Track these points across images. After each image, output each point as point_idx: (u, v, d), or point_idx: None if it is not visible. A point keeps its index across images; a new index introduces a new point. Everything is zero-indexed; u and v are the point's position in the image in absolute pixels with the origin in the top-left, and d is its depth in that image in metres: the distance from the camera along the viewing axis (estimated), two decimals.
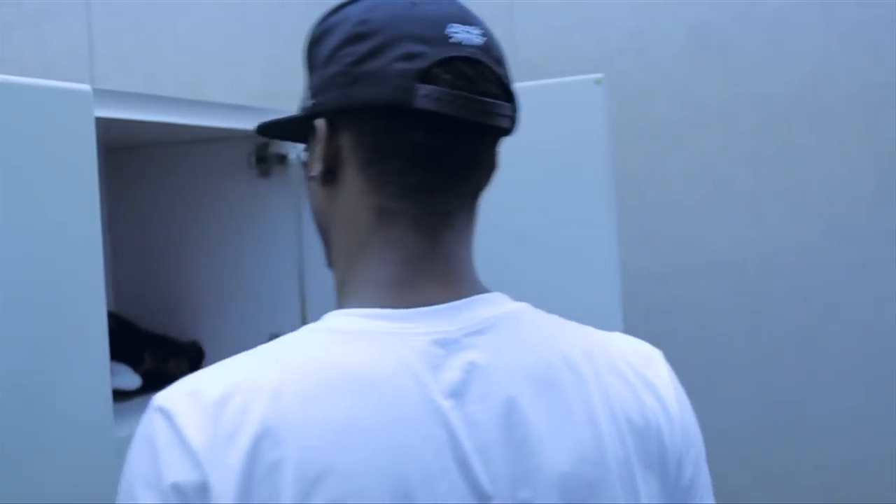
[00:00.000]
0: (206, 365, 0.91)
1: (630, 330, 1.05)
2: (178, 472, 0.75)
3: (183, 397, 0.78)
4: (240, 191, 1.60)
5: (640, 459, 0.87)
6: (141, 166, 1.65)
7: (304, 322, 1.65)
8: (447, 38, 0.88)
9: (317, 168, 0.91)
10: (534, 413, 0.83)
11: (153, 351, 1.54)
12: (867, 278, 2.16)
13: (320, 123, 0.91)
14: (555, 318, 0.92)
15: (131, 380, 1.24)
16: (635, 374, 0.90)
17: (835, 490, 2.18)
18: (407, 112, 0.86)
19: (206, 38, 1.91)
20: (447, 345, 0.83)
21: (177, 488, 0.75)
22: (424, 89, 0.87)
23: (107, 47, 1.66)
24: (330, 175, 0.92)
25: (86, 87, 1.06)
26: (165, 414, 0.77)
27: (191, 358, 1.60)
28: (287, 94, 2.18)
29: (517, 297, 0.92)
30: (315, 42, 0.94)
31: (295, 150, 1.59)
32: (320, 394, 0.78)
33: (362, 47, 0.88)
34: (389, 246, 0.89)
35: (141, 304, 1.52)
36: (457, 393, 0.81)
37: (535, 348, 0.88)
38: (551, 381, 0.86)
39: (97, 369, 1.06)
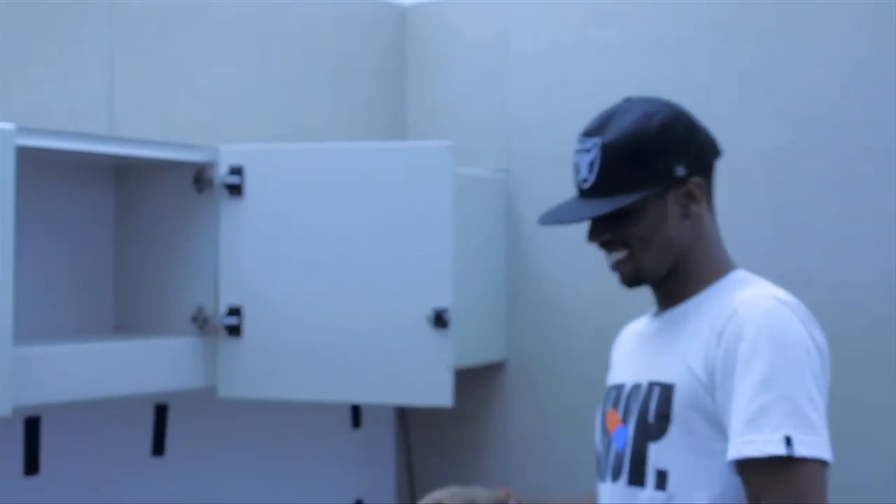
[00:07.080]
0: None
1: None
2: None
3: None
4: (182, 202, 2.32)
5: None
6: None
7: (216, 302, 2.26)
8: None
9: (695, 210, 1.52)
10: None
11: None
12: None
13: (698, 181, 1.51)
14: None
15: None
16: None
17: None
18: (717, 154, 1.58)
19: (224, 90, 2.56)
20: None
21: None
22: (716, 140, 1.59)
23: (125, 96, 2.34)
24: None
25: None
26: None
27: None
28: (307, 136, 2.72)
29: None
30: (667, 130, 1.52)
31: (218, 176, 2.25)
32: None
33: (699, 130, 1.56)
34: (719, 235, 1.59)
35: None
36: None
37: None
38: None
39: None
